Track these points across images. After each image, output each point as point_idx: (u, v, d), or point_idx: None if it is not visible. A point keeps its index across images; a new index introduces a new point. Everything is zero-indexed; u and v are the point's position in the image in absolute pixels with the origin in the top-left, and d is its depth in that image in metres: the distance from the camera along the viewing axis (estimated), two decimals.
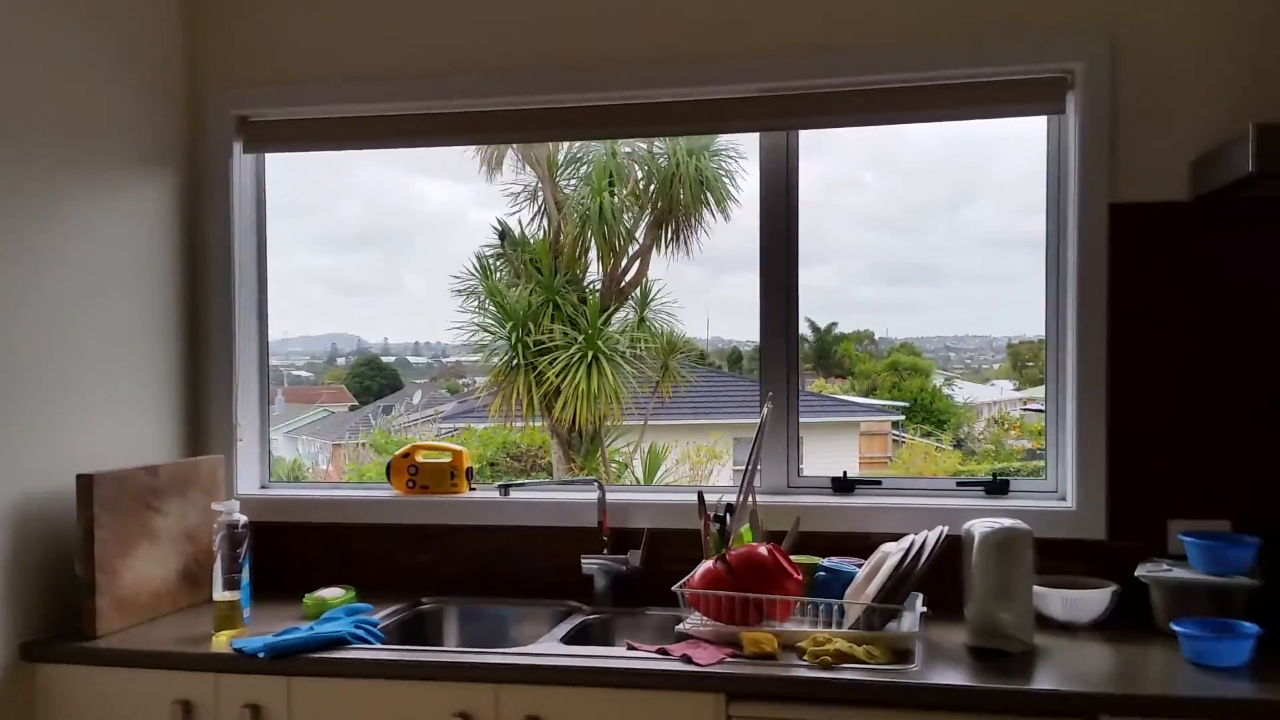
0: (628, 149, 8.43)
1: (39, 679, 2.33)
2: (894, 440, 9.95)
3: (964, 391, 10.54)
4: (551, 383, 8.18)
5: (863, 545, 2.45)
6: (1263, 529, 2.36)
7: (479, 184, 8.79)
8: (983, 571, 2.18)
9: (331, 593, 2.57)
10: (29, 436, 2.38)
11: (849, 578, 2.34)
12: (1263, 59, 2.41)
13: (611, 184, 8.45)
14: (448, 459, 2.89)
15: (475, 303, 8.62)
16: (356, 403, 11.05)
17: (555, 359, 8.19)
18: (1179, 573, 2.27)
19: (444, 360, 10.83)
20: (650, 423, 8.83)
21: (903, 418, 9.96)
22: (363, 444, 9.82)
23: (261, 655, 2.21)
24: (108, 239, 2.63)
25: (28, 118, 2.38)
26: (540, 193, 8.75)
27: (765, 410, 2.59)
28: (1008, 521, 2.22)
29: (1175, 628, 2.10)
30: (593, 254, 8.69)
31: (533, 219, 8.86)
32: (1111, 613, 2.34)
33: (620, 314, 8.62)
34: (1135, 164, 2.47)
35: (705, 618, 2.28)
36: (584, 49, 2.72)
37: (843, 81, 2.60)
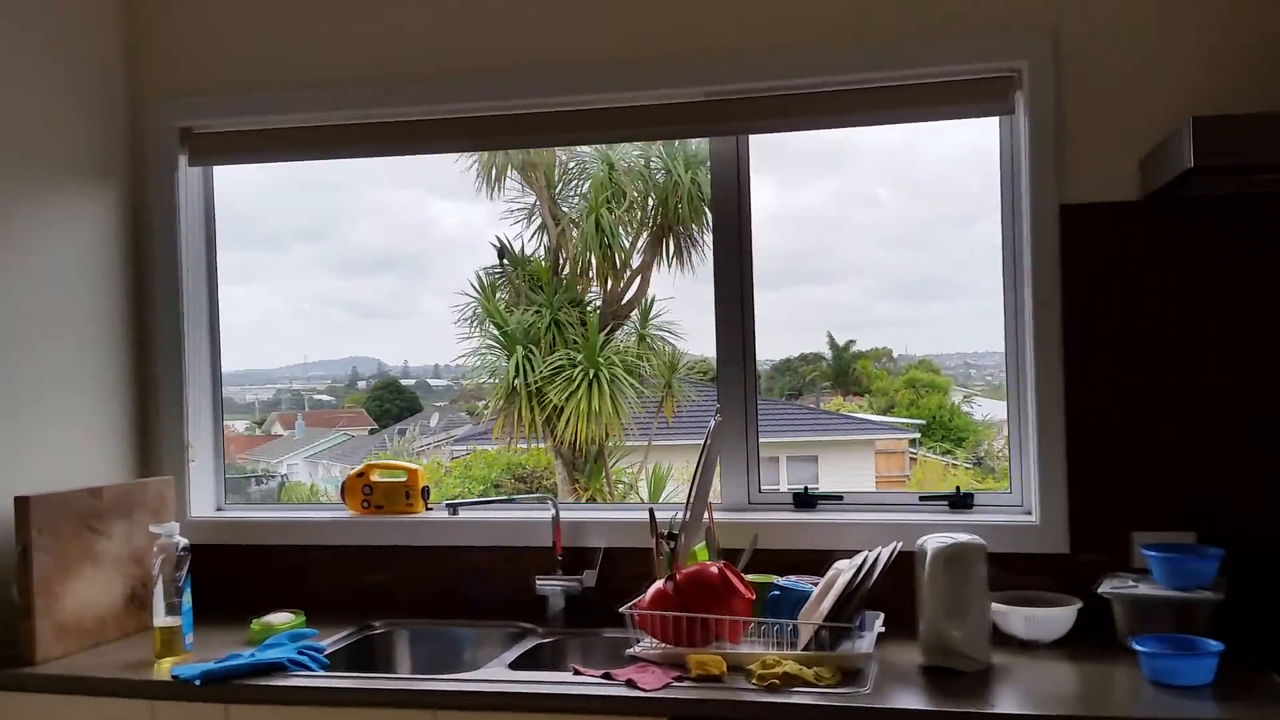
0: (625, 162, 8.39)
1: None
2: (910, 458, 9.83)
3: (983, 409, 10.41)
4: (554, 404, 8.13)
5: (823, 562, 2.37)
6: (1227, 540, 2.27)
7: (493, 205, 8.78)
8: (934, 588, 2.11)
9: (279, 617, 2.52)
10: None
11: (803, 596, 2.27)
12: (1209, 54, 2.34)
13: (610, 200, 8.41)
14: (403, 478, 2.84)
15: (477, 327, 8.61)
16: (376, 426, 11.01)
17: (556, 379, 8.15)
18: (1142, 588, 2.19)
19: (463, 383, 10.80)
20: (656, 442, 8.77)
21: (918, 435, 9.83)
22: None
23: (197, 683, 2.16)
24: (50, 252, 2.60)
25: None
26: (538, 212, 8.72)
27: (712, 424, 2.52)
28: (961, 536, 2.15)
29: (1135, 646, 2.02)
30: (593, 272, 8.66)
31: (532, 236, 8.86)
32: (1074, 629, 2.26)
33: (621, 332, 8.58)
34: (1085, 164, 2.40)
35: (654, 639, 2.22)
36: (537, 51, 2.67)
37: (789, 84, 2.54)
